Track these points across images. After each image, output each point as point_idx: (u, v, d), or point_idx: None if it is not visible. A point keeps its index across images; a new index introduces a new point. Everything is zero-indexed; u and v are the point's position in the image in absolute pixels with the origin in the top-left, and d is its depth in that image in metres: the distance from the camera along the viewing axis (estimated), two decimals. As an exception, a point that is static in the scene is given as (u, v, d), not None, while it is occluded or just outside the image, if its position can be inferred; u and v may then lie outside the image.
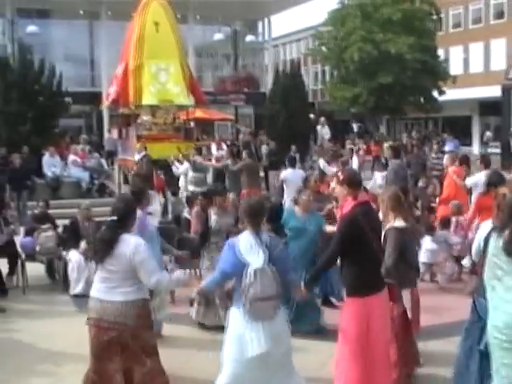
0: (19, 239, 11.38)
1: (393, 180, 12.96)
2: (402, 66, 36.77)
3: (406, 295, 6.54)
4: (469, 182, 12.04)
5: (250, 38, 41.58)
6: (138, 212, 6.60)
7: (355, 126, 44.49)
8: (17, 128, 21.82)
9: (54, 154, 19.95)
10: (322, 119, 29.17)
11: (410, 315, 6.60)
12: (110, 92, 22.19)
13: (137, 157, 16.85)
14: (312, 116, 32.79)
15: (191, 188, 15.66)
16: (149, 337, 5.77)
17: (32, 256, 11.06)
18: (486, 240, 4.96)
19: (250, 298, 5.26)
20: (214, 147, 21.52)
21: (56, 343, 8.17)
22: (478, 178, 11.46)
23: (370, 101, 38.96)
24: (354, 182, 6.11)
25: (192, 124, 22.75)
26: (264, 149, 23.76)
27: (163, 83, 19.99)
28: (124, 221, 5.69)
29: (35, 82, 22.68)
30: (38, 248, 10.95)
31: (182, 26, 25.48)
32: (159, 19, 20.55)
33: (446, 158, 14.32)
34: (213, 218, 8.90)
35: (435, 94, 40.28)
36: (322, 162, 15.88)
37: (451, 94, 40.61)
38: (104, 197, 19.11)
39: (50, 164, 19.64)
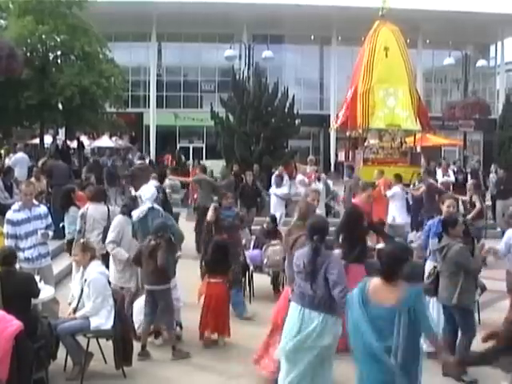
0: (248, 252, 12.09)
1: None
2: None
3: None
4: None
5: (481, 62, 40.22)
6: None
7: None
8: (249, 147, 23.09)
9: (282, 173, 20.52)
10: (555, 148, 27.73)
11: None
12: (339, 115, 22.81)
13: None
14: (547, 144, 31.10)
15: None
16: None
17: (260, 268, 11.72)
18: None
19: None
20: (439, 172, 21.20)
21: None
22: None
23: None
24: None
25: (418, 149, 22.71)
26: (492, 177, 22.96)
27: (391, 108, 20.21)
28: None
29: (269, 104, 23.87)
30: (265, 261, 11.55)
31: (411, 51, 25.50)
32: (389, 44, 20.81)
33: None
34: None
35: None
36: None
37: None
38: (328, 217, 19.41)
39: (277, 183, 20.10)
